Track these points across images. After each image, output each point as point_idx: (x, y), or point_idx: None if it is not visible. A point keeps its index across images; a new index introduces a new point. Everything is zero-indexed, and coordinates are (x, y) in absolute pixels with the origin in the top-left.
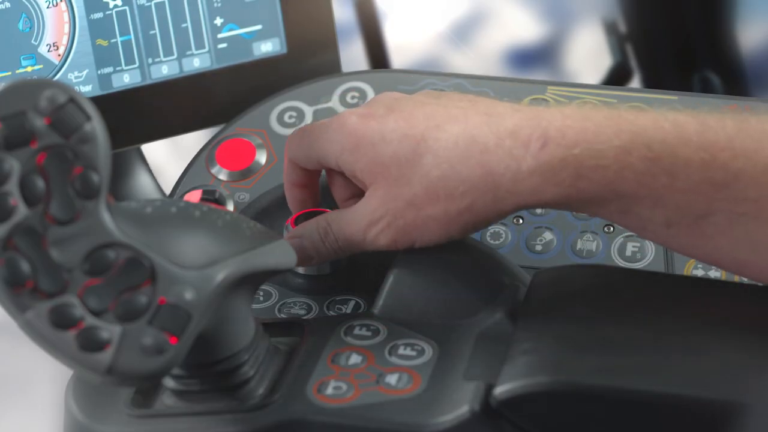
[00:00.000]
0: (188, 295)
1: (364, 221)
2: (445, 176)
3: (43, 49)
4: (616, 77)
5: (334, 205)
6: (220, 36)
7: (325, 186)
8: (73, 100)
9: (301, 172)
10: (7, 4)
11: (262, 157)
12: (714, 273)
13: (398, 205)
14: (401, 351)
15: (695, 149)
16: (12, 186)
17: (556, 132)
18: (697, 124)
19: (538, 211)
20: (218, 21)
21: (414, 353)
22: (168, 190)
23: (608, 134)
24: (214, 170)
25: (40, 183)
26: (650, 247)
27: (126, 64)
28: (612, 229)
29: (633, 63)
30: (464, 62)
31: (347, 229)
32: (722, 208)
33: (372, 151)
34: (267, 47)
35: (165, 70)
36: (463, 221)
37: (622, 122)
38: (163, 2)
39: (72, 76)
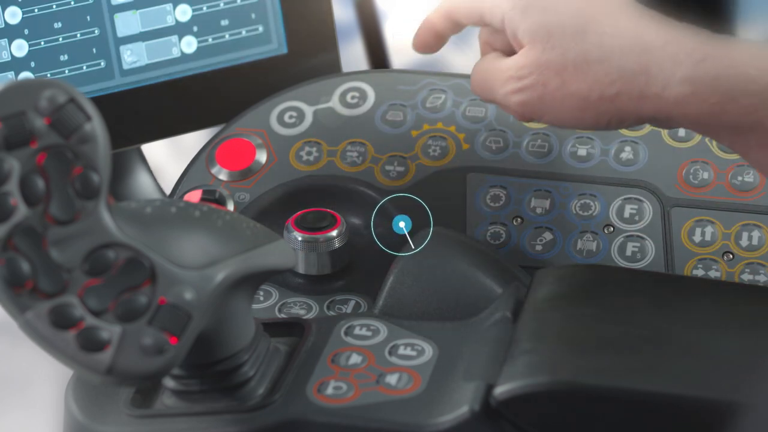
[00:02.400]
0: (188, 295)
1: (508, 72)
2: (601, 61)
3: None
4: None
5: (334, 207)
6: (220, 36)
7: (326, 187)
8: (73, 100)
9: (449, 23)
10: None
11: (262, 157)
12: (714, 273)
13: (546, 73)
14: (401, 351)
15: None
16: (12, 186)
17: (717, 50)
18: None
19: (538, 210)
20: (219, 21)
21: (414, 353)
22: (168, 190)
23: (766, 65)
24: (214, 170)
25: (40, 183)
26: (650, 247)
27: None
28: (612, 229)
29: None
30: (464, 62)
31: (489, 75)
32: None
33: (541, 14)
34: (267, 47)
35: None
36: (600, 110)
37: None
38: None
39: None
